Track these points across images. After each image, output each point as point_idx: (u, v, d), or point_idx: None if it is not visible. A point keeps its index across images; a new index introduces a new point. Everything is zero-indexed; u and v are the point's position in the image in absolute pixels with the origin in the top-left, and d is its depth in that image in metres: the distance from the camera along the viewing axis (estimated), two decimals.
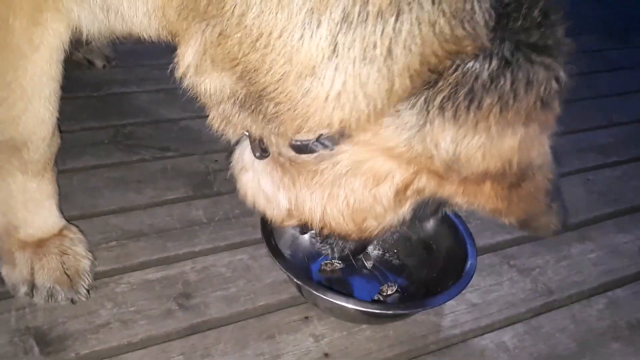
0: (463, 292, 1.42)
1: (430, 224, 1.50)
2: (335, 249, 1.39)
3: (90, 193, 1.64)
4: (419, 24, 0.85)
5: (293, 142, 1.09)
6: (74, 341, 1.24)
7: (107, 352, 1.24)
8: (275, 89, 0.94)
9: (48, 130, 1.24)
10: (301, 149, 1.09)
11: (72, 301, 1.31)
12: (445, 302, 1.38)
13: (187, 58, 1.03)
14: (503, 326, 1.46)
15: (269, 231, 1.41)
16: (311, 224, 1.21)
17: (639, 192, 2.03)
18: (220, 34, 0.94)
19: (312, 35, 0.86)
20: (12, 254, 1.32)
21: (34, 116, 1.19)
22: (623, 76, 2.90)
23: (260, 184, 1.24)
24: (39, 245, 1.34)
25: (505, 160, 0.98)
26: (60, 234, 1.38)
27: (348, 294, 1.41)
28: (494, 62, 0.91)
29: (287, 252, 1.46)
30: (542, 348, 1.41)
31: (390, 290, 1.46)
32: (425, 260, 1.52)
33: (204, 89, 1.06)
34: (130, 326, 1.30)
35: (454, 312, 1.46)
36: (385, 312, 1.35)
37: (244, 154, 1.26)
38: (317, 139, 1.05)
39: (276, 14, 0.86)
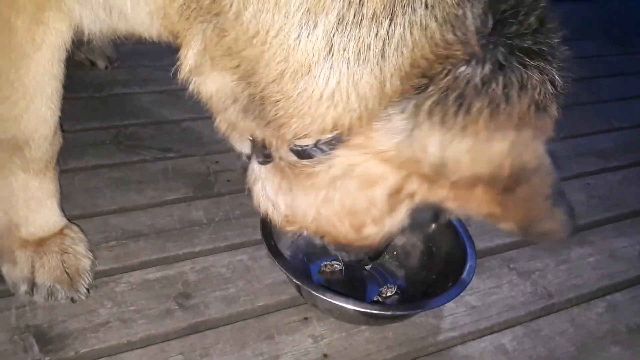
0: (462, 294, 1.42)
1: (430, 227, 1.50)
2: (351, 254, 1.39)
3: (91, 193, 1.64)
4: (412, 27, 0.87)
5: (294, 147, 1.10)
6: (74, 340, 1.24)
7: (107, 350, 1.25)
8: (273, 88, 0.96)
9: (50, 129, 1.24)
10: (301, 153, 1.10)
11: (72, 300, 1.31)
12: (444, 303, 1.38)
13: (188, 58, 1.04)
14: (502, 329, 1.46)
15: (268, 232, 1.41)
16: (309, 230, 1.23)
17: (639, 197, 2.04)
18: (219, 32, 0.96)
19: (308, 35, 0.88)
20: (13, 252, 1.32)
21: (36, 115, 1.20)
22: (623, 81, 2.91)
23: (266, 190, 1.24)
24: (40, 243, 1.34)
25: (495, 164, 0.97)
26: (61, 233, 1.38)
27: (347, 295, 1.41)
28: (487, 66, 0.92)
29: (286, 253, 1.46)
30: (542, 351, 1.41)
31: (389, 292, 1.46)
32: (425, 262, 1.52)
33: (206, 90, 1.08)
34: (130, 325, 1.30)
35: (453, 315, 1.47)
36: (384, 313, 1.35)
37: (255, 165, 1.26)
38: (315, 144, 1.06)
39: (273, 13, 0.88)
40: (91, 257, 1.39)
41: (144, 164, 1.80)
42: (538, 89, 0.94)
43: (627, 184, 2.11)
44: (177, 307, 1.36)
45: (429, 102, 0.94)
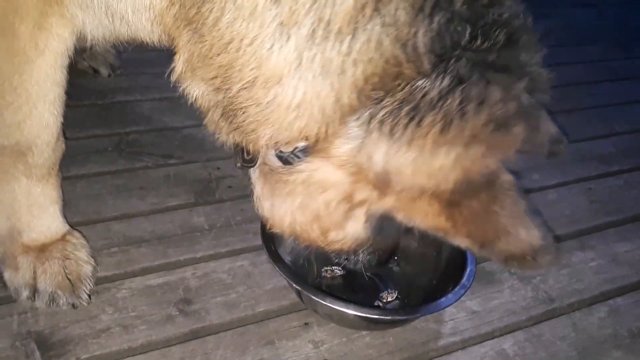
0: (463, 299, 1.42)
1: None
2: (352, 260, 1.40)
3: (93, 199, 1.65)
4: (368, 44, 0.90)
5: (279, 153, 1.13)
6: (75, 345, 1.25)
7: (108, 356, 1.25)
8: (244, 95, 1.00)
9: (53, 135, 1.26)
10: (283, 160, 1.14)
11: (74, 306, 1.32)
12: (444, 308, 1.38)
13: (177, 65, 1.08)
14: (503, 334, 1.46)
15: (269, 237, 1.42)
16: (286, 233, 1.26)
17: None
18: (198, 38, 1.00)
19: (281, 47, 0.92)
20: (15, 258, 1.33)
21: (39, 120, 1.21)
22: (625, 86, 2.91)
23: (256, 193, 1.28)
24: (42, 249, 1.35)
25: (437, 178, 0.98)
26: (63, 239, 1.39)
27: (347, 300, 1.41)
28: (446, 80, 0.92)
29: (287, 259, 1.46)
30: (543, 356, 1.41)
31: (390, 297, 1.46)
32: (425, 267, 1.52)
33: (192, 94, 1.12)
34: (131, 331, 1.30)
35: (454, 319, 1.47)
36: (383, 317, 1.35)
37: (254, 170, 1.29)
38: (292, 152, 1.10)
39: (248, 22, 0.92)
40: (93, 263, 1.39)
41: (146, 171, 1.82)
42: (499, 106, 0.93)
43: (628, 189, 2.10)
44: (178, 312, 1.36)
45: (382, 113, 0.96)
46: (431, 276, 1.51)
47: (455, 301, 1.36)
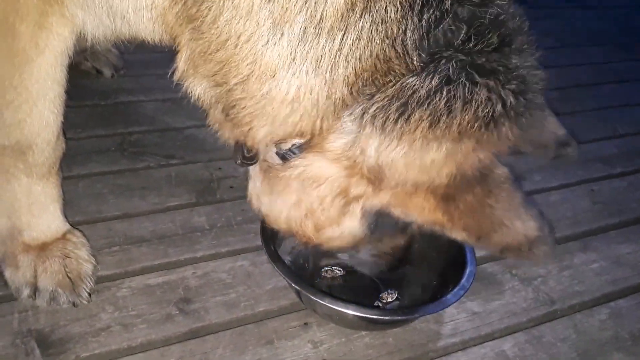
0: (463, 300, 1.42)
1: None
2: (356, 259, 1.44)
3: (95, 199, 1.66)
4: (358, 41, 0.93)
5: (278, 151, 1.15)
6: (75, 344, 1.25)
7: (107, 355, 1.25)
8: (240, 88, 1.02)
9: (53, 134, 1.26)
10: (281, 157, 1.16)
11: (74, 304, 1.33)
12: (443, 309, 1.38)
13: (180, 63, 1.10)
14: (504, 335, 1.45)
15: (268, 237, 1.42)
16: (282, 230, 1.28)
17: None
18: (198, 35, 1.02)
19: (275, 43, 0.95)
20: (15, 257, 1.34)
21: (39, 119, 1.22)
22: (628, 88, 2.90)
23: (255, 190, 1.29)
24: (43, 248, 1.35)
25: (430, 172, 1.00)
26: (63, 237, 1.40)
27: (347, 300, 1.41)
28: (435, 79, 0.95)
29: (287, 258, 1.47)
30: (543, 358, 1.40)
31: (390, 297, 1.46)
32: (426, 267, 1.51)
33: (195, 92, 1.14)
34: (131, 330, 1.31)
35: (455, 320, 1.46)
36: (382, 317, 1.35)
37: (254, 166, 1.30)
38: (290, 148, 1.12)
39: (245, 21, 0.95)
40: (93, 262, 1.40)
41: (148, 171, 1.82)
42: (484, 105, 0.96)
43: (631, 190, 2.10)
44: (177, 312, 1.37)
45: (374, 108, 0.99)
46: (432, 277, 1.50)
47: (455, 302, 1.35)
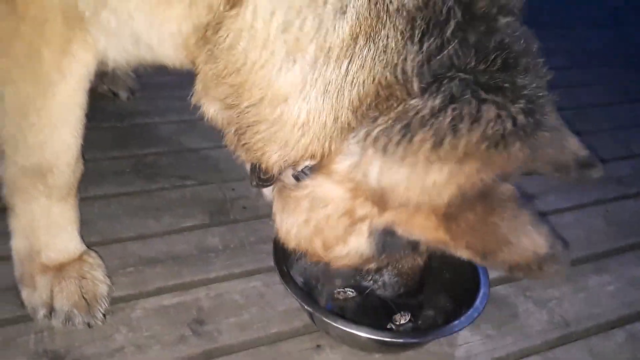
0: (477, 322, 1.41)
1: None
2: (382, 285, 1.43)
3: (110, 220, 1.68)
4: (362, 68, 0.97)
5: (294, 173, 1.17)
6: None
7: None
8: (253, 111, 1.06)
9: (72, 156, 1.29)
10: (296, 178, 1.19)
11: (89, 325, 1.34)
12: (457, 331, 1.37)
13: (197, 85, 1.14)
14: (518, 358, 1.44)
15: (281, 258, 1.43)
16: (295, 248, 1.28)
17: None
18: (213, 60, 1.07)
19: (288, 70, 0.99)
20: (33, 278, 1.36)
21: (60, 142, 1.25)
22: None
23: (273, 209, 1.30)
24: (59, 269, 1.37)
25: (431, 194, 1.01)
26: (80, 258, 1.42)
27: (359, 322, 1.40)
28: (438, 99, 0.96)
29: (299, 280, 1.47)
30: None
31: (403, 319, 1.46)
32: (439, 289, 1.51)
33: (208, 113, 1.19)
34: (145, 351, 1.31)
35: (468, 343, 1.45)
36: (395, 340, 1.35)
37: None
38: (302, 170, 1.15)
39: (261, 50, 0.99)
40: (108, 283, 1.41)
41: (162, 192, 1.84)
42: (492, 124, 0.96)
43: None
44: (191, 333, 1.37)
45: (377, 130, 1.01)
46: (445, 299, 1.50)
47: (468, 324, 1.35)
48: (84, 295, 1.35)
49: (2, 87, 1.19)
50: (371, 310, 1.52)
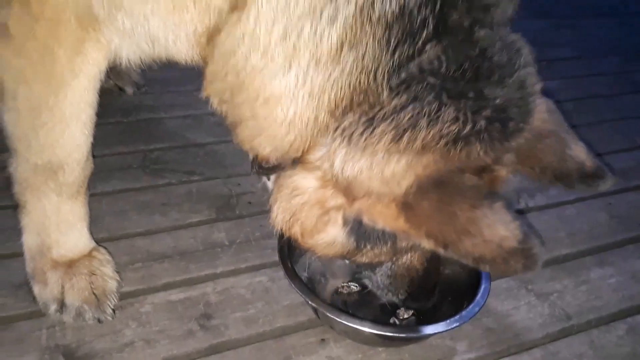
0: (479, 316, 1.43)
1: None
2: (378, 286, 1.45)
3: (118, 216, 1.71)
4: (342, 73, 1.03)
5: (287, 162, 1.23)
6: (100, 359, 1.30)
7: None
8: (247, 107, 1.12)
9: (83, 154, 1.33)
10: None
11: (99, 320, 1.37)
12: (459, 325, 1.39)
13: (204, 80, 1.18)
14: (519, 351, 1.47)
15: (285, 253, 1.45)
16: (284, 234, 1.31)
17: None
18: (217, 59, 1.11)
19: (284, 75, 1.05)
20: (44, 274, 1.39)
21: (71, 140, 1.28)
22: None
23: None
24: (70, 265, 1.41)
25: (390, 184, 1.06)
26: (89, 255, 1.45)
27: (363, 317, 1.43)
28: (403, 98, 1.02)
29: (304, 275, 1.50)
30: None
31: (406, 314, 1.48)
32: (441, 283, 1.53)
33: (213, 104, 1.22)
34: (153, 345, 1.35)
35: (470, 337, 1.48)
36: (398, 335, 1.37)
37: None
38: (293, 160, 1.20)
39: (261, 56, 1.05)
40: (118, 279, 1.45)
41: (169, 187, 1.87)
42: (450, 124, 1.01)
43: None
44: (198, 327, 1.41)
45: (344, 123, 1.07)
46: (447, 293, 1.52)
47: (470, 318, 1.37)
48: (94, 291, 1.39)
49: (15, 86, 1.22)
50: (375, 304, 1.54)
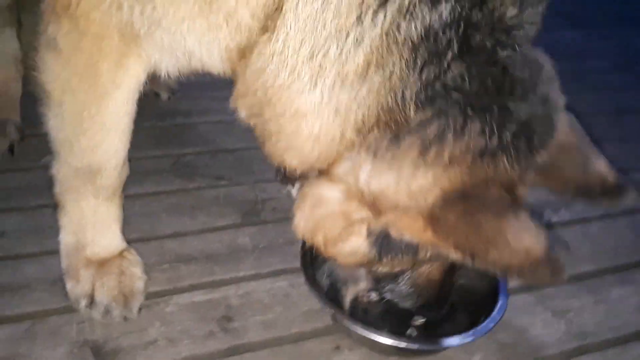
0: (494, 331, 1.44)
1: None
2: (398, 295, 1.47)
3: (149, 218, 1.79)
4: (369, 92, 1.06)
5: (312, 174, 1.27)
6: (125, 355, 1.37)
7: None
8: (275, 122, 1.17)
9: (120, 160, 1.41)
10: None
11: (125, 318, 1.44)
12: (474, 339, 1.41)
13: (234, 92, 1.24)
14: None
15: (307, 260, 1.50)
16: (307, 242, 1.35)
17: None
18: (247, 76, 1.17)
19: (310, 92, 1.09)
20: (77, 271, 1.47)
21: (110, 146, 1.37)
22: None
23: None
24: (102, 264, 1.49)
25: (417, 198, 1.07)
26: (120, 255, 1.53)
27: (381, 326, 1.46)
28: (428, 112, 1.05)
29: (326, 282, 1.54)
30: None
31: (419, 322, 1.50)
32: (455, 294, 1.55)
33: (241, 118, 1.28)
34: (176, 345, 1.41)
35: (484, 351, 1.49)
36: (412, 347, 1.40)
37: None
38: (318, 171, 1.23)
39: (289, 75, 1.10)
40: (145, 279, 1.52)
41: (198, 191, 1.94)
42: (477, 137, 1.03)
43: None
44: (219, 329, 1.46)
45: (370, 138, 1.10)
46: (464, 307, 1.54)
47: (486, 333, 1.39)
48: (123, 290, 1.46)
49: (61, 95, 1.31)
50: (394, 313, 1.57)
